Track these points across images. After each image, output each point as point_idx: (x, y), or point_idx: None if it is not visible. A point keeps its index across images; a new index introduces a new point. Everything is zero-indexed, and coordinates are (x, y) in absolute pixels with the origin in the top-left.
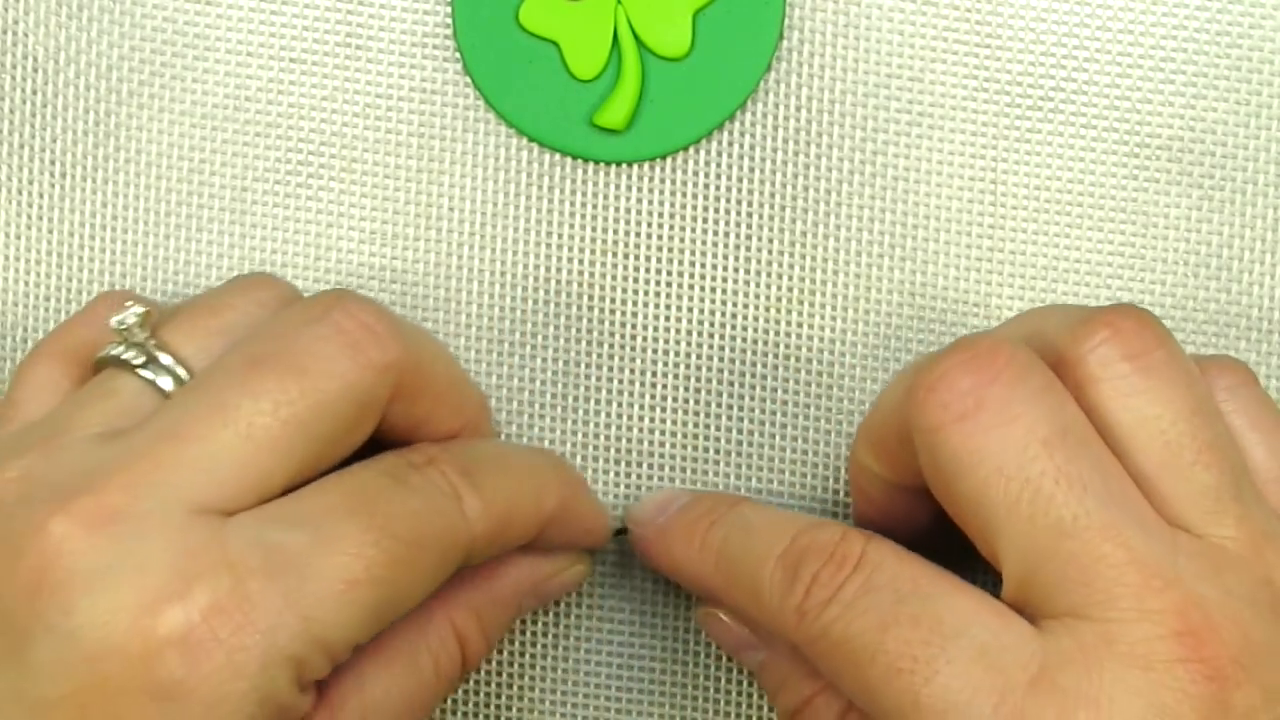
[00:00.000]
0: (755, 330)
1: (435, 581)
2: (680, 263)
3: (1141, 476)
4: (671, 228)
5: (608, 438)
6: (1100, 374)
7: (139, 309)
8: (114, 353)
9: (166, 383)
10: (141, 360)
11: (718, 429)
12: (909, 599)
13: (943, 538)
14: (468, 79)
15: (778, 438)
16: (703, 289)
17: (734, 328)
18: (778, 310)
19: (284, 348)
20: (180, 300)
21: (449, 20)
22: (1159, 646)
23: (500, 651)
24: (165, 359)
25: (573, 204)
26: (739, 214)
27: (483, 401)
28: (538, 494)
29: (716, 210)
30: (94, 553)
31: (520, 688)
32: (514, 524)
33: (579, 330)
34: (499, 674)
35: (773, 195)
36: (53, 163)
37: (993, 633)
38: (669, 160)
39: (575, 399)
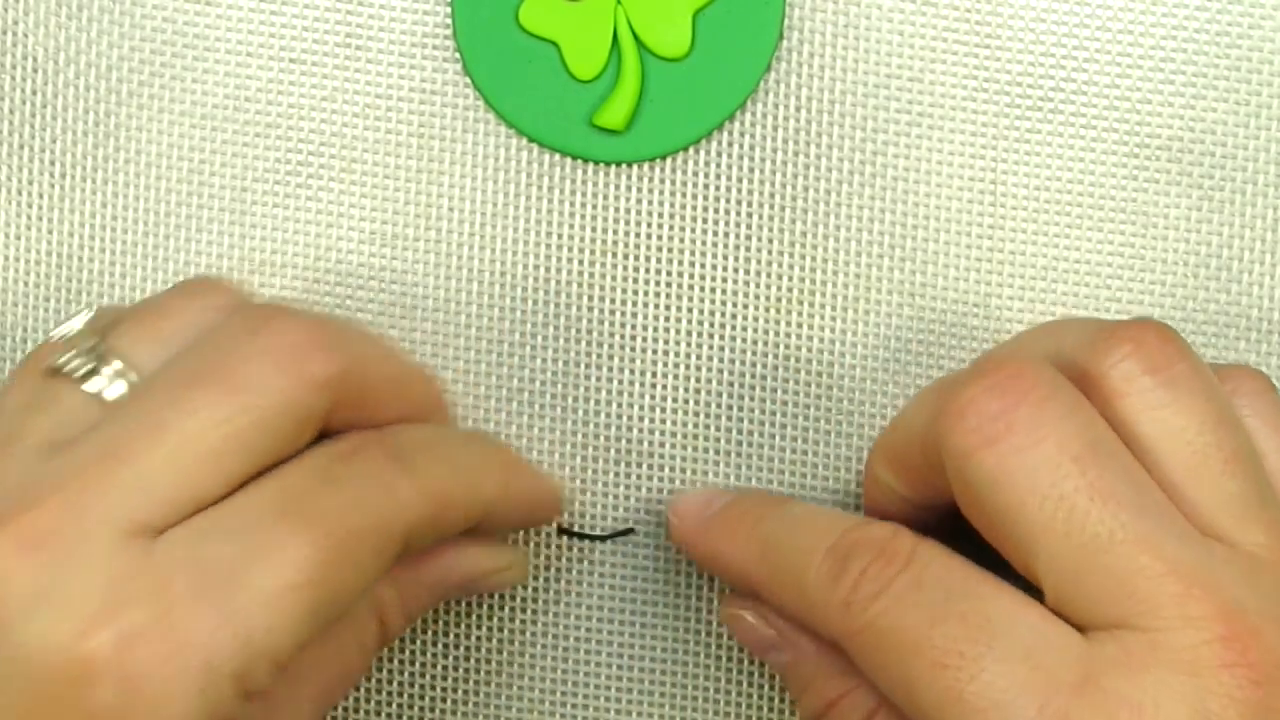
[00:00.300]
0: (755, 330)
1: (377, 572)
2: (680, 263)
3: (1171, 487)
4: (671, 228)
5: (608, 438)
6: (1125, 388)
7: (86, 314)
8: (59, 361)
9: (116, 389)
10: (86, 369)
11: (718, 429)
12: (958, 597)
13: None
14: (468, 79)
15: (778, 438)
16: (703, 289)
17: (734, 328)
18: (778, 310)
19: (221, 363)
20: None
21: (449, 20)
22: (1204, 652)
23: (500, 651)
24: (112, 365)
25: (573, 204)
26: (739, 214)
27: (435, 394)
28: (475, 476)
29: (716, 210)
30: (28, 575)
31: (520, 688)
32: (452, 507)
33: (579, 330)
34: (499, 674)
35: (773, 195)
36: (53, 163)
37: (1039, 635)
38: (669, 160)
39: (575, 399)
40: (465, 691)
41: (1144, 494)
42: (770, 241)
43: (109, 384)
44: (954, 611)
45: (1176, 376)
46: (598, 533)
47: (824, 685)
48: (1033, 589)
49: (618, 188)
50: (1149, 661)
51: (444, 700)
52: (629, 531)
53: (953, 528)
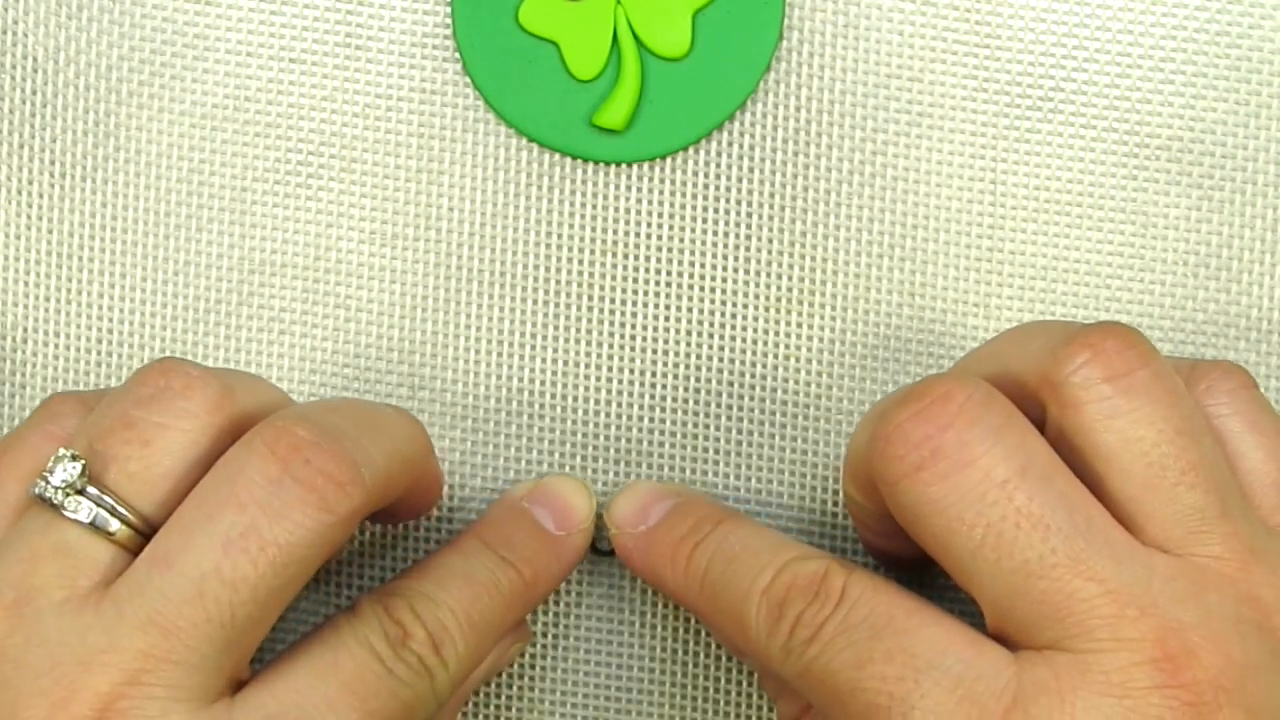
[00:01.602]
0: (755, 330)
1: None
2: (680, 263)
3: (1125, 499)
4: (671, 228)
5: (608, 438)
6: (1082, 397)
7: (77, 464)
8: (60, 504)
9: (115, 527)
10: (90, 517)
11: (718, 429)
12: (884, 634)
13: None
14: (468, 79)
15: (777, 438)
16: (703, 289)
17: (734, 328)
18: (778, 310)
19: (252, 523)
20: (105, 391)
21: (449, 20)
22: (1136, 674)
23: None
24: (115, 511)
25: (573, 204)
26: (739, 214)
27: (425, 448)
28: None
29: (716, 210)
30: None
31: (520, 688)
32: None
33: (579, 330)
34: (499, 673)
35: (773, 195)
36: (53, 163)
37: (967, 664)
38: (669, 160)
39: (575, 399)
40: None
41: (1077, 514)
42: (770, 241)
43: (108, 519)
44: (880, 650)
45: (1135, 384)
46: (598, 545)
47: (795, 693)
48: None
49: (618, 188)
50: (1077, 684)
51: None
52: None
53: None
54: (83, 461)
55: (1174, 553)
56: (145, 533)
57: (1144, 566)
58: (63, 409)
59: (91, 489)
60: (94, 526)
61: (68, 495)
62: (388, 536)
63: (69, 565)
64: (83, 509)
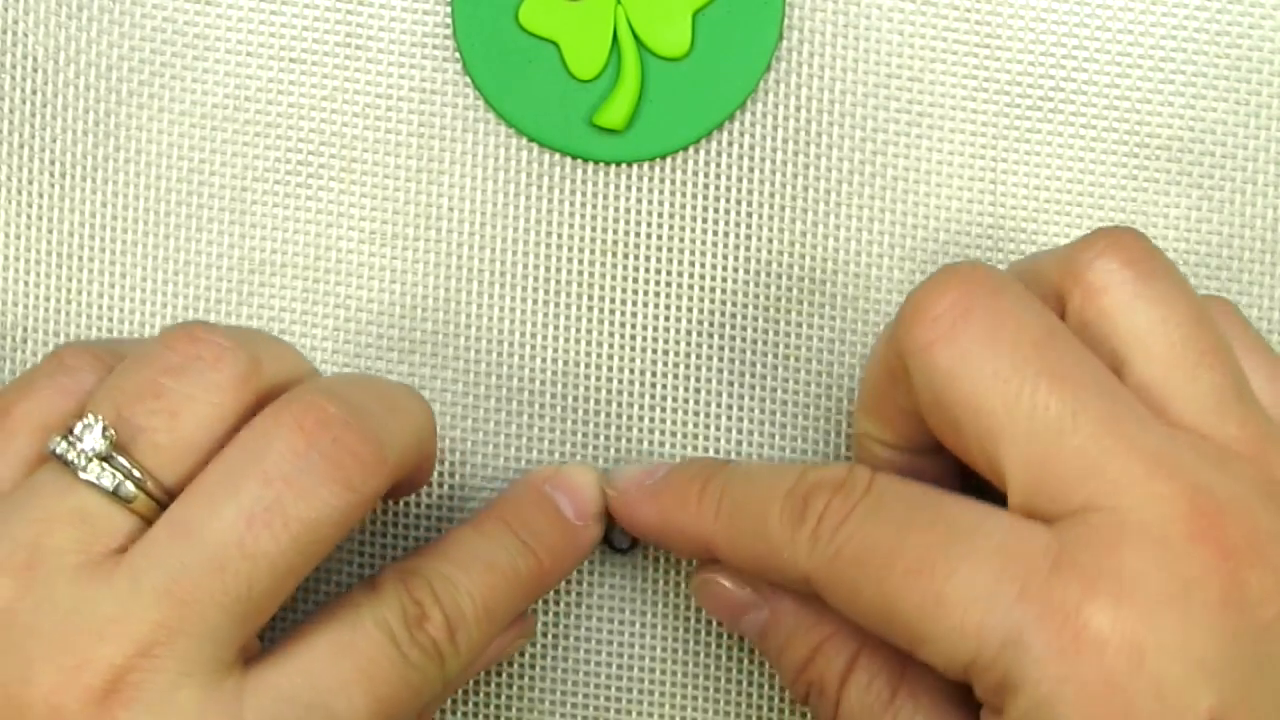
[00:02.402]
0: (755, 330)
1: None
2: (680, 263)
3: (1149, 380)
4: (671, 228)
5: (608, 438)
6: (1105, 281)
7: (107, 432)
8: (82, 468)
9: (136, 496)
10: (113, 485)
11: (718, 429)
12: (922, 508)
13: None
14: (468, 79)
15: (777, 438)
16: (703, 289)
17: (734, 328)
18: (778, 310)
19: (277, 498)
20: (126, 346)
21: (449, 20)
22: (1172, 528)
23: None
24: (135, 479)
25: (573, 204)
26: (739, 214)
27: (431, 430)
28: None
29: (716, 210)
30: None
31: (520, 688)
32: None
33: (579, 330)
34: (499, 674)
35: (773, 195)
36: (53, 163)
37: (1007, 530)
38: (669, 160)
39: (575, 399)
40: (465, 691)
41: (1103, 379)
42: (770, 241)
43: (131, 489)
44: (921, 519)
45: (1155, 270)
46: (616, 543)
47: (805, 634)
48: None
49: (618, 188)
50: (1118, 538)
51: (444, 700)
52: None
53: (942, 478)
54: (113, 432)
55: (1197, 431)
56: (164, 503)
57: (1169, 435)
58: (77, 363)
59: (119, 459)
60: (114, 494)
61: (91, 461)
62: (389, 513)
63: (86, 531)
64: (106, 477)
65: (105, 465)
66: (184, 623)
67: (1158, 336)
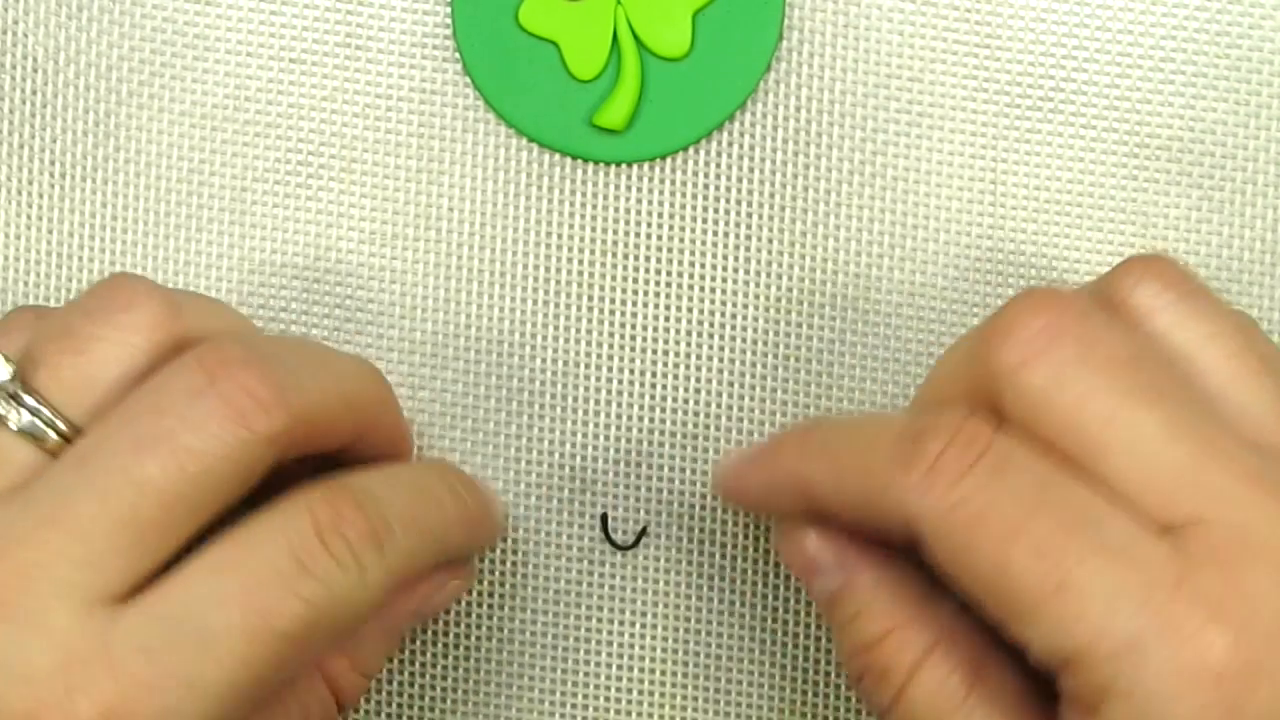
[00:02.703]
0: (755, 330)
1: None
2: (680, 263)
3: (1216, 395)
4: (671, 228)
5: (608, 438)
6: (1152, 304)
7: (7, 367)
8: None
9: (42, 431)
10: (18, 424)
11: (718, 429)
12: (1050, 486)
13: None
14: (468, 79)
15: None
16: (703, 289)
17: (734, 328)
18: (778, 310)
19: (168, 428)
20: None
21: (449, 20)
22: None
23: (500, 651)
24: (41, 415)
25: (573, 204)
26: (739, 214)
27: (381, 398)
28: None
29: (716, 210)
30: None
31: (520, 688)
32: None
33: (579, 330)
34: (499, 674)
35: (773, 195)
36: (53, 163)
37: (1130, 534)
38: (669, 160)
39: (575, 399)
40: (465, 691)
41: (1195, 397)
42: (770, 241)
43: (40, 426)
44: (1052, 499)
45: (1195, 291)
46: (618, 540)
47: (878, 615)
48: None
49: (618, 188)
50: (1239, 555)
51: (444, 700)
52: (644, 532)
53: None
54: (14, 366)
55: (1274, 443)
56: (70, 439)
57: (1253, 450)
58: (20, 321)
59: (26, 397)
60: (22, 432)
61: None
62: None
63: None
64: (12, 413)
65: (12, 403)
66: (63, 548)
67: (1215, 351)
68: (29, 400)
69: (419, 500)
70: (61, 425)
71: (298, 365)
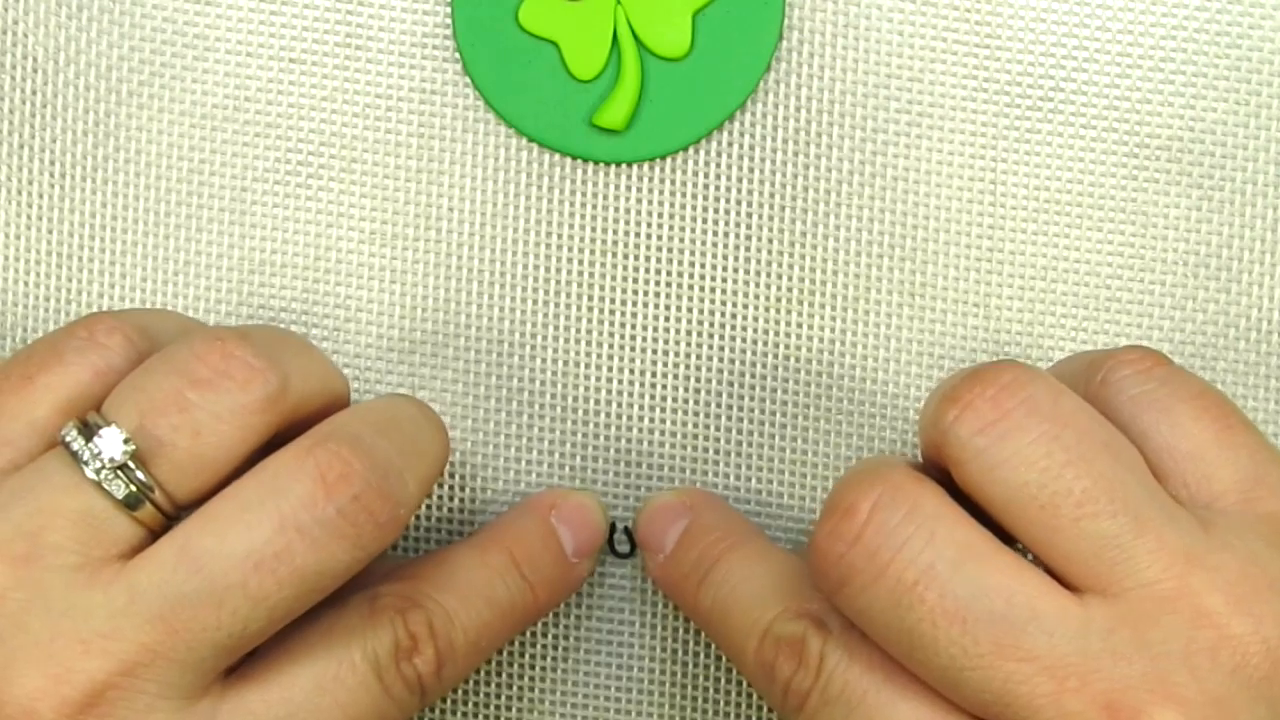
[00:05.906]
0: (755, 330)
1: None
2: (680, 263)
3: (1034, 546)
4: (671, 228)
5: (608, 438)
6: (961, 455)
7: (128, 447)
8: (93, 469)
9: (145, 508)
10: (123, 495)
11: (718, 429)
12: (858, 710)
13: None
14: (468, 79)
15: (777, 438)
16: (703, 289)
17: (734, 328)
18: (778, 310)
19: (288, 545)
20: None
21: (449, 20)
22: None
23: (500, 651)
24: (150, 496)
25: (573, 204)
26: (739, 214)
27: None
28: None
29: (716, 210)
30: None
31: (520, 688)
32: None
33: (579, 330)
34: (499, 674)
35: (773, 195)
36: (53, 163)
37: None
38: (669, 160)
39: (575, 399)
40: (465, 691)
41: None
42: (770, 241)
43: (141, 499)
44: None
45: (1010, 428)
46: (617, 548)
47: None
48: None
49: (618, 188)
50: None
51: (444, 700)
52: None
53: None
54: (133, 445)
55: (1107, 593)
56: (172, 516)
57: (1078, 628)
58: (110, 341)
59: (135, 471)
60: (124, 503)
61: (105, 468)
62: None
63: (88, 533)
64: (118, 485)
65: (119, 473)
66: (171, 649)
67: (1026, 503)
68: (139, 476)
69: (489, 615)
70: (165, 505)
71: (404, 467)
